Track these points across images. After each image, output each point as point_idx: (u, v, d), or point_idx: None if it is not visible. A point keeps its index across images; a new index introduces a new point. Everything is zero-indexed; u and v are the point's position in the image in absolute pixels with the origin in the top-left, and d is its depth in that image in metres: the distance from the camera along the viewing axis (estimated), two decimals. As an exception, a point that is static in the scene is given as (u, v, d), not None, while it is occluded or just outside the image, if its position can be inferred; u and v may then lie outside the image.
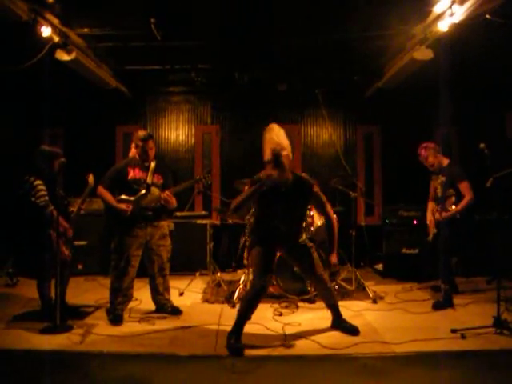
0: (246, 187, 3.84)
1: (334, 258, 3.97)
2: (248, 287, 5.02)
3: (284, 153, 3.62)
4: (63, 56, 5.33)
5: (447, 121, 6.66)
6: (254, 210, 3.92)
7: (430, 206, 5.18)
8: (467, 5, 4.28)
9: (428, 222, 5.16)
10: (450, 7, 4.41)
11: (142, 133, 4.54)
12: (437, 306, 4.71)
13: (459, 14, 4.40)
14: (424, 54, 5.36)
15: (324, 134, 7.79)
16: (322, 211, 4.02)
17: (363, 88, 7.50)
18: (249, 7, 4.92)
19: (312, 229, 5.12)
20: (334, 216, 4.06)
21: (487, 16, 4.39)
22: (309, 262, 3.94)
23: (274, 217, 3.81)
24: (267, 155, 3.66)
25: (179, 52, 6.15)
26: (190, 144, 7.83)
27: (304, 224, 4.16)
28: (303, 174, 4.01)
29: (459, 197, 4.78)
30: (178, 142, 7.82)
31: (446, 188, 4.87)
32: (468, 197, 4.73)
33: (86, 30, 5.33)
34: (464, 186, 4.76)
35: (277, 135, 3.75)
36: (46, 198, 4.21)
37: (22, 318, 4.41)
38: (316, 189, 3.85)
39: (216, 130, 7.77)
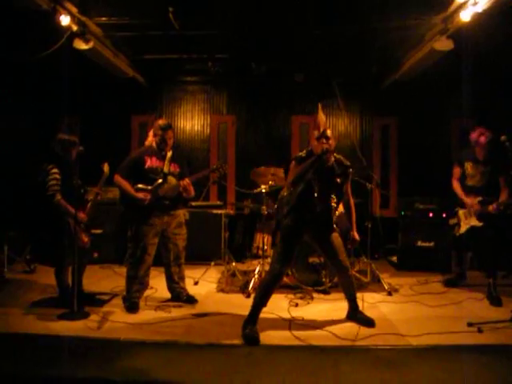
0: (293, 163, 3.87)
1: (355, 235, 4.11)
2: (263, 277, 5.04)
3: (330, 131, 3.83)
4: (81, 45, 5.36)
5: (465, 113, 6.58)
6: (296, 192, 3.88)
7: (465, 195, 5.02)
8: (491, -7, 4.20)
9: (461, 214, 5.04)
10: (474, -5, 4.32)
11: (162, 122, 4.53)
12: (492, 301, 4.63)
13: (483, 2, 4.30)
14: (444, 44, 5.27)
15: (340, 125, 7.73)
16: (346, 192, 4.08)
17: (380, 79, 7.43)
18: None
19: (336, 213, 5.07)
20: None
21: (512, 5, 4.31)
22: (334, 246, 3.93)
23: (313, 195, 3.80)
24: (321, 130, 3.81)
25: (196, 41, 6.15)
26: (205, 134, 7.83)
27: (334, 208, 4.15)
28: (340, 156, 4.03)
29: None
30: (193, 131, 7.83)
31: (491, 179, 4.90)
32: (508, 190, 4.81)
33: (103, 18, 5.34)
34: (505, 180, 4.82)
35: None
36: (56, 187, 4.23)
37: (40, 304, 4.49)
38: (350, 170, 4.00)
39: (232, 120, 7.76)
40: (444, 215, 6.12)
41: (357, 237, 4.13)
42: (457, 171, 5.13)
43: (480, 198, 4.87)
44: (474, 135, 4.96)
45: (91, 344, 3.51)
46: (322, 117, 4.01)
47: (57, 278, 4.44)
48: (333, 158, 3.89)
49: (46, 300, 4.59)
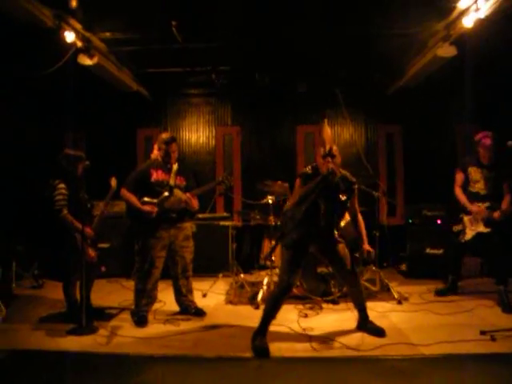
0: (298, 180, 3.84)
1: (367, 246, 4.09)
2: (272, 288, 5.01)
3: (336, 150, 3.78)
4: (86, 61, 5.39)
5: (470, 119, 6.55)
6: (298, 204, 3.86)
7: (469, 201, 4.98)
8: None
9: (466, 220, 4.98)
10: (475, 2, 4.31)
11: (165, 135, 4.56)
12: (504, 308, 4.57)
13: (485, 8, 4.30)
14: (447, 51, 5.27)
15: (345, 133, 7.72)
16: (353, 207, 4.06)
17: (384, 87, 7.43)
18: (268, 7, 4.91)
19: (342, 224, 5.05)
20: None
21: (514, 11, 4.31)
22: (340, 257, 3.90)
23: (318, 212, 3.77)
24: (327, 149, 3.72)
25: (200, 54, 6.18)
26: (210, 146, 7.85)
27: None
28: (346, 172, 3.99)
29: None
30: (198, 143, 7.85)
31: (496, 184, 4.89)
32: (510, 196, 4.84)
33: (107, 34, 5.39)
34: (508, 186, 4.86)
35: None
36: (63, 202, 4.25)
37: (48, 319, 4.49)
38: (355, 186, 3.96)
39: (237, 132, 7.78)
40: (438, 222, 6.12)
41: (369, 248, 4.10)
42: (459, 177, 5.10)
43: (488, 204, 4.84)
44: (478, 136, 4.96)
45: (100, 359, 3.51)
46: (327, 132, 3.95)
47: (65, 292, 4.44)
48: (338, 175, 3.83)
49: (55, 315, 4.59)
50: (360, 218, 4.14)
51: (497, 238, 4.77)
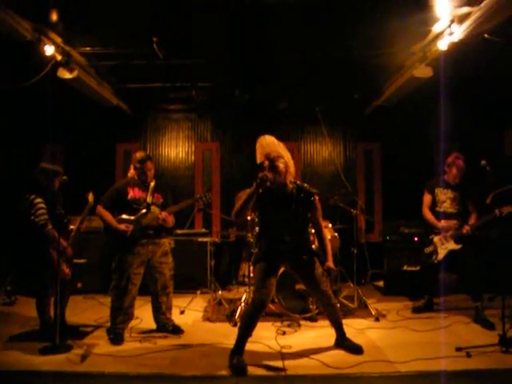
0: (242, 193, 3.85)
1: (330, 264, 3.94)
2: (246, 307, 4.99)
3: (280, 159, 3.73)
4: (65, 74, 5.38)
5: (447, 138, 6.70)
6: (259, 220, 3.89)
7: (434, 219, 5.10)
8: (466, 24, 4.33)
9: (436, 241, 5.08)
10: (449, 26, 4.47)
11: (139, 154, 4.56)
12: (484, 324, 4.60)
13: (458, 33, 4.45)
14: (423, 71, 5.43)
15: (324, 151, 7.82)
16: (315, 221, 3.97)
17: (363, 105, 7.56)
18: (249, 26, 4.97)
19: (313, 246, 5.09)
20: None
21: (485, 35, 4.46)
22: (314, 277, 3.90)
23: (277, 226, 3.81)
24: (259, 159, 3.82)
25: (180, 70, 6.22)
26: (190, 161, 7.85)
27: (308, 238, 4.15)
28: (304, 184, 4.00)
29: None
30: (178, 159, 7.84)
31: (462, 203, 5.03)
32: (476, 215, 4.95)
33: (88, 48, 5.39)
34: (473, 204, 4.99)
35: (273, 144, 4.04)
36: (46, 216, 4.18)
37: (20, 337, 4.35)
38: (316, 198, 3.89)
39: (216, 148, 7.80)
40: (416, 239, 6.18)
41: (332, 266, 3.95)
42: (427, 199, 5.23)
43: (456, 221, 4.96)
44: (450, 158, 5.09)
45: (74, 379, 3.42)
46: (262, 144, 4.08)
47: (38, 309, 4.34)
48: (291, 186, 3.83)
49: (27, 333, 4.46)
50: (325, 233, 4.06)
51: (468, 254, 4.86)
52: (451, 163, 5.05)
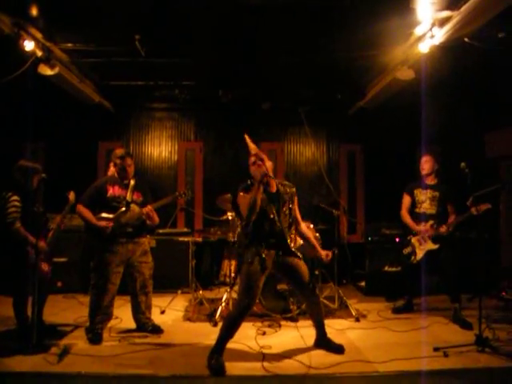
0: (241, 194, 3.84)
1: (322, 252, 4.01)
2: (230, 305, 4.98)
3: (262, 153, 3.90)
4: (46, 71, 5.29)
5: (429, 140, 6.76)
6: (249, 214, 3.84)
7: (416, 222, 5.16)
8: (446, 28, 4.37)
9: (414, 242, 5.14)
10: (431, 29, 4.52)
11: (119, 151, 4.56)
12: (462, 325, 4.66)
13: (439, 36, 4.49)
14: (406, 74, 5.47)
15: (307, 151, 7.84)
16: (295, 215, 4.00)
17: (346, 107, 7.60)
18: (234, 26, 4.96)
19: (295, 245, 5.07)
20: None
21: (466, 39, 4.52)
22: (300, 274, 3.88)
23: (268, 225, 3.78)
24: (252, 153, 3.91)
25: (163, 68, 6.17)
26: (172, 160, 7.80)
27: (293, 236, 4.17)
28: (285, 181, 4.09)
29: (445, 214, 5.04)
30: (161, 158, 7.79)
31: (441, 203, 5.07)
32: (455, 216, 4.98)
33: (69, 45, 5.29)
34: (453, 206, 5.05)
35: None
36: (16, 214, 4.12)
37: (-5, 337, 4.29)
38: (293, 190, 4.01)
39: (199, 147, 7.77)
40: (397, 240, 6.19)
41: (326, 252, 4.00)
42: (406, 201, 5.30)
43: (432, 222, 5.02)
44: (421, 159, 5.23)
45: (51, 379, 3.38)
46: (251, 145, 4.11)
47: (15, 309, 4.26)
48: (275, 182, 3.91)
49: (3, 333, 4.39)
50: (304, 227, 4.11)
51: (447, 255, 4.94)
52: (421, 163, 5.19)
